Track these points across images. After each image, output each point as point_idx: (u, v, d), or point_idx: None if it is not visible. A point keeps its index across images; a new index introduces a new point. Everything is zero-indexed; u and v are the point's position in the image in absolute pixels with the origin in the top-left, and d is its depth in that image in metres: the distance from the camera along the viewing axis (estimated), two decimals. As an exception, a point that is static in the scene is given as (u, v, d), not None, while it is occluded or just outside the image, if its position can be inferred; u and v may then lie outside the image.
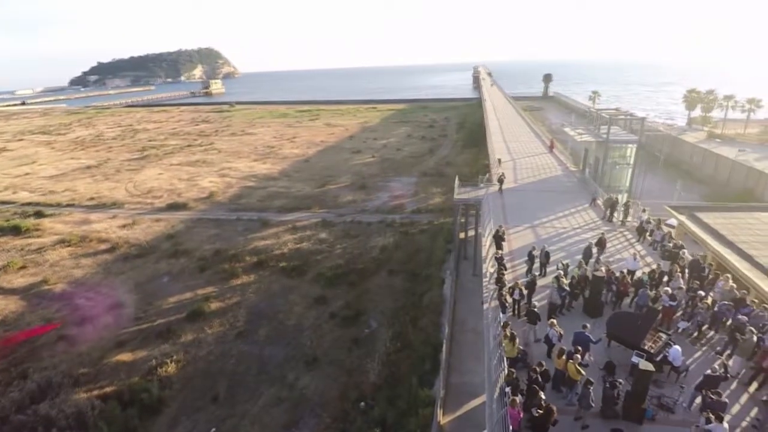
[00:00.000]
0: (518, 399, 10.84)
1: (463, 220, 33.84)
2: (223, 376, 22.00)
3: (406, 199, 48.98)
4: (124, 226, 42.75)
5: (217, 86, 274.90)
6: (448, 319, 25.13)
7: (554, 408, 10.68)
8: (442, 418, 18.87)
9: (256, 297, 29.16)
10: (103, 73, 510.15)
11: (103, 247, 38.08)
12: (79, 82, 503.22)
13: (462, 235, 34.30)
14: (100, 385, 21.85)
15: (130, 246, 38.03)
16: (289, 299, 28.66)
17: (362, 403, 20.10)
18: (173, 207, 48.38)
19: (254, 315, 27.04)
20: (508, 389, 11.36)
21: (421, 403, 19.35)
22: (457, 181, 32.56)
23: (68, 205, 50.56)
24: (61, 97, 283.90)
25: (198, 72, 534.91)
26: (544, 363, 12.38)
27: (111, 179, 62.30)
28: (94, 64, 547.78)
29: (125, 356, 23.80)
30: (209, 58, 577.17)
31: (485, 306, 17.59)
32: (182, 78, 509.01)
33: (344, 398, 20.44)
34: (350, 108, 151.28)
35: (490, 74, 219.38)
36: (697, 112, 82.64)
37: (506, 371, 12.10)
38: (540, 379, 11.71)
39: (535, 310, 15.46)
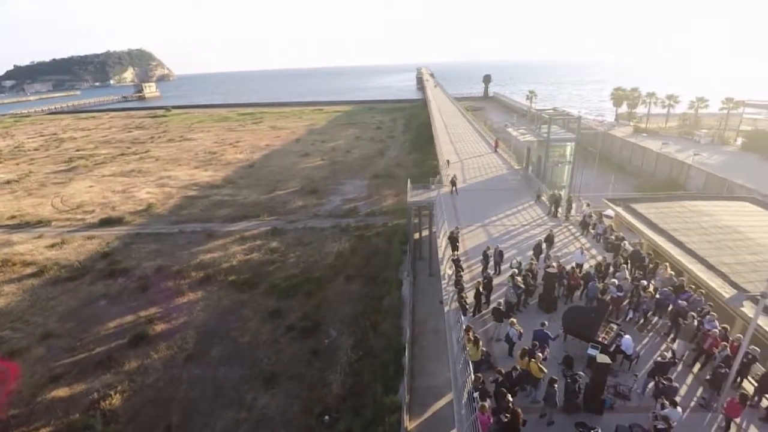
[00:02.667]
0: (487, 404, 10.86)
1: (416, 221, 34.04)
2: (175, 404, 20.51)
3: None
4: (52, 246, 39.00)
5: (151, 89, 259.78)
6: (408, 321, 25.10)
7: (519, 411, 10.77)
8: (409, 424, 18.73)
9: (206, 315, 27.55)
10: (21, 77, 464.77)
11: (28, 270, 34.47)
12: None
13: (416, 236, 34.48)
14: (34, 426, 19.63)
15: (60, 268, 34.69)
16: (242, 315, 27.32)
17: (326, 417, 19.54)
18: (107, 222, 44.81)
19: (204, 334, 25.50)
20: (476, 395, 11.36)
21: (387, 410, 19.14)
22: (409, 184, 32.70)
23: (-17, 226, 45.43)
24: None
25: (129, 75, 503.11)
26: (518, 367, 12.46)
27: (35, 194, 56.72)
28: (10, 67, 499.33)
29: (62, 391, 21.58)
30: (141, 60, 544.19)
31: (446, 309, 17.64)
32: (112, 81, 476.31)
33: (308, 413, 19.74)
34: (295, 110, 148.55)
35: (432, 75, 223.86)
36: (623, 109, 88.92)
37: (473, 376, 12.09)
38: (508, 383, 11.78)
39: (501, 308, 15.70)
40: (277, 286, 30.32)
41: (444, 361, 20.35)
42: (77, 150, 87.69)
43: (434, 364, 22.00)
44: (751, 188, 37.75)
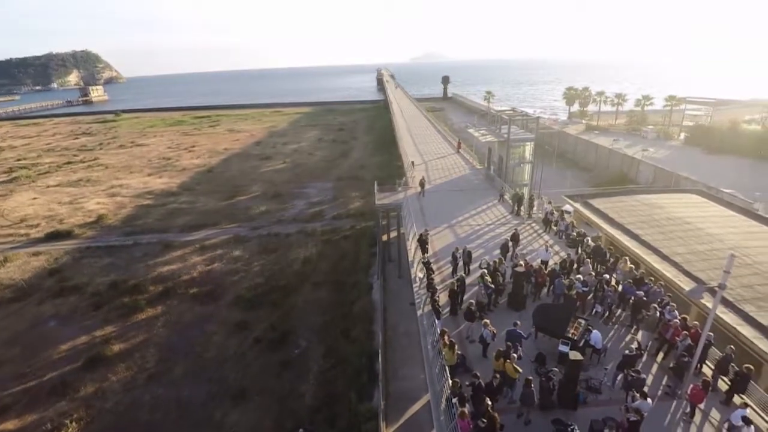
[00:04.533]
0: (467, 410, 10.79)
1: (384, 223, 33.91)
2: (137, 428, 19.29)
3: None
4: (-9, 265, 36.04)
5: (98, 93, 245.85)
6: (380, 326, 24.85)
7: (496, 415, 10.76)
8: (386, 430, 18.49)
9: (167, 331, 26.18)
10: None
11: (-35, 293, 31.66)
12: None
13: (385, 238, 34.32)
14: (-22, 466, 18.01)
15: (2, 288, 32.07)
16: (206, 329, 26.15)
17: (300, 430, 18.93)
18: (54, 236, 41.86)
19: (166, 352, 24.20)
20: (455, 400, 11.28)
21: (362, 418, 18.85)
22: (376, 187, 32.48)
23: None
24: None
25: (74, 78, 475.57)
26: (497, 375, 12.42)
27: (-31, 209, 52.33)
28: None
29: (11, 424, 19.80)
30: (87, 62, 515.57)
31: (419, 313, 17.53)
32: (54, 85, 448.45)
33: (280, 428, 19.10)
34: (254, 112, 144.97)
35: (393, 76, 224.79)
36: (575, 107, 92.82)
37: (450, 382, 12.00)
38: (488, 391, 11.74)
39: (473, 308, 15.75)
40: (241, 296, 29.31)
41: (418, 364, 20.23)
42: (18, 159, 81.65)
43: (408, 367, 21.79)
44: (696, 180, 40.16)
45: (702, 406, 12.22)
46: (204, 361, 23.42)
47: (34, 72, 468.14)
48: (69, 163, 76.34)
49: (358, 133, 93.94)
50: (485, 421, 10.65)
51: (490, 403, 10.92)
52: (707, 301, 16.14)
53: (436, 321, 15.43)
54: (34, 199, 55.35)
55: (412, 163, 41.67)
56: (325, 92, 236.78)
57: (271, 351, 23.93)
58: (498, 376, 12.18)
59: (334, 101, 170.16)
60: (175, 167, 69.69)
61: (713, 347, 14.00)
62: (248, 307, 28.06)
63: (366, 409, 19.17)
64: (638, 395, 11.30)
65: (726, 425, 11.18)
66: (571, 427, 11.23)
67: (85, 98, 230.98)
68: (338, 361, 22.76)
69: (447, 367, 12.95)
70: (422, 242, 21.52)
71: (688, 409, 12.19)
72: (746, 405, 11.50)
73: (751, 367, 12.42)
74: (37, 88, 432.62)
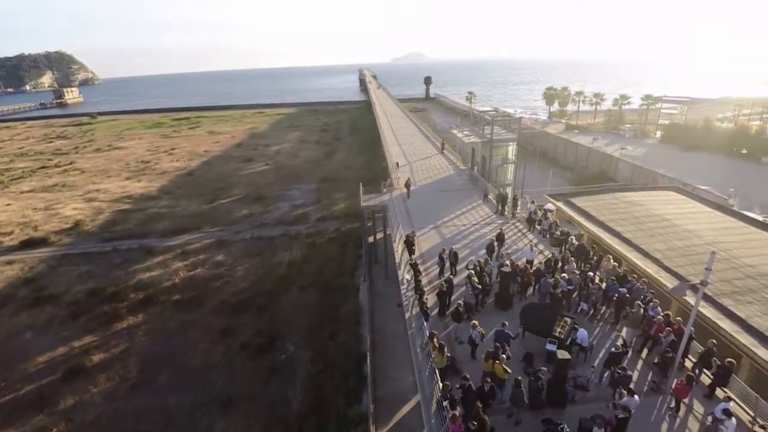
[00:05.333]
0: (458, 412, 10.78)
1: (370, 225, 33.83)
2: (119, 440, 18.83)
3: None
4: (-38, 275, 34.65)
5: (73, 95, 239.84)
6: (368, 328, 24.77)
7: (487, 419, 10.79)
8: (375, 434, 18.42)
9: (149, 339, 25.55)
10: None
11: (-66, 305, 30.36)
12: None
13: (371, 239, 34.23)
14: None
15: (-27, 299, 30.89)
16: (190, 336, 25.59)
17: (289, 437, 18.75)
18: (29, 244, 40.49)
19: (149, 361, 23.59)
20: (446, 403, 11.25)
21: (351, 423, 18.74)
22: (361, 188, 32.36)
23: None
24: None
25: (47, 79, 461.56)
26: (489, 379, 12.40)
27: (-62, 217, 50.26)
28: None
29: (-16, 441, 19.15)
30: (60, 63, 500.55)
31: (407, 315, 17.49)
32: (27, 87, 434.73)
33: (268, 435, 18.84)
34: (235, 114, 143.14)
35: (375, 77, 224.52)
36: (555, 107, 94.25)
37: (440, 385, 11.96)
38: (480, 397, 11.73)
39: (460, 309, 15.78)
40: (226, 302, 28.83)
41: (406, 365, 20.22)
42: (-11, 165, 79.06)
43: (396, 369, 21.81)
44: (672, 177, 41.14)
45: (686, 400, 12.47)
46: (189, 369, 22.90)
47: (5, 73, 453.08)
48: (43, 167, 74.15)
49: (341, 134, 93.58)
50: (475, 423, 10.66)
51: (480, 405, 10.92)
52: (689, 297, 16.52)
53: (425, 323, 15.39)
54: (8, 205, 53.50)
55: (397, 164, 41.64)
56: (307, 93, 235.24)
57: (257, 357, 23.55)
58: (489, 380, 12.19)
59: (317, 102, 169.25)
60: (155, 170, 68.30)
61: (695, 341, 14.32)
62: (233, 313, 27.60)
63: (355, 413, 19.05)
64: (625, 392, 11.46)
65: (710, 418, 11.41)
66: (561, 426, 11.33)
67: (59, 100, 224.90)
68: (326, 365, 22.55)
69: (437, 370, 12.92)
70: (409, 243, 21.52)
71: (673, 404, 12.43)
72: (729, 398, 11.78)
73: (734, 361, 12.74)
74: (9, 90, 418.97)
